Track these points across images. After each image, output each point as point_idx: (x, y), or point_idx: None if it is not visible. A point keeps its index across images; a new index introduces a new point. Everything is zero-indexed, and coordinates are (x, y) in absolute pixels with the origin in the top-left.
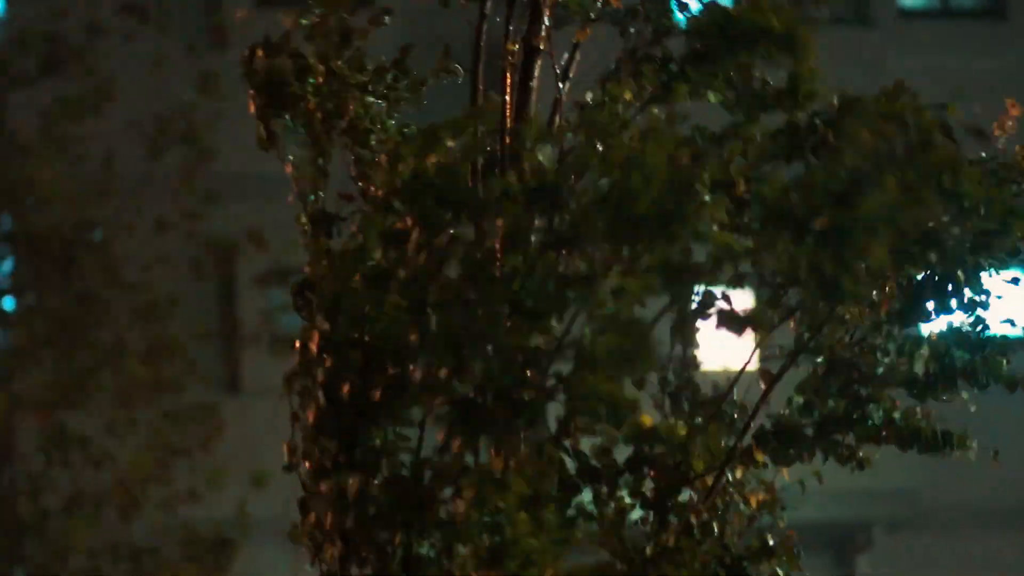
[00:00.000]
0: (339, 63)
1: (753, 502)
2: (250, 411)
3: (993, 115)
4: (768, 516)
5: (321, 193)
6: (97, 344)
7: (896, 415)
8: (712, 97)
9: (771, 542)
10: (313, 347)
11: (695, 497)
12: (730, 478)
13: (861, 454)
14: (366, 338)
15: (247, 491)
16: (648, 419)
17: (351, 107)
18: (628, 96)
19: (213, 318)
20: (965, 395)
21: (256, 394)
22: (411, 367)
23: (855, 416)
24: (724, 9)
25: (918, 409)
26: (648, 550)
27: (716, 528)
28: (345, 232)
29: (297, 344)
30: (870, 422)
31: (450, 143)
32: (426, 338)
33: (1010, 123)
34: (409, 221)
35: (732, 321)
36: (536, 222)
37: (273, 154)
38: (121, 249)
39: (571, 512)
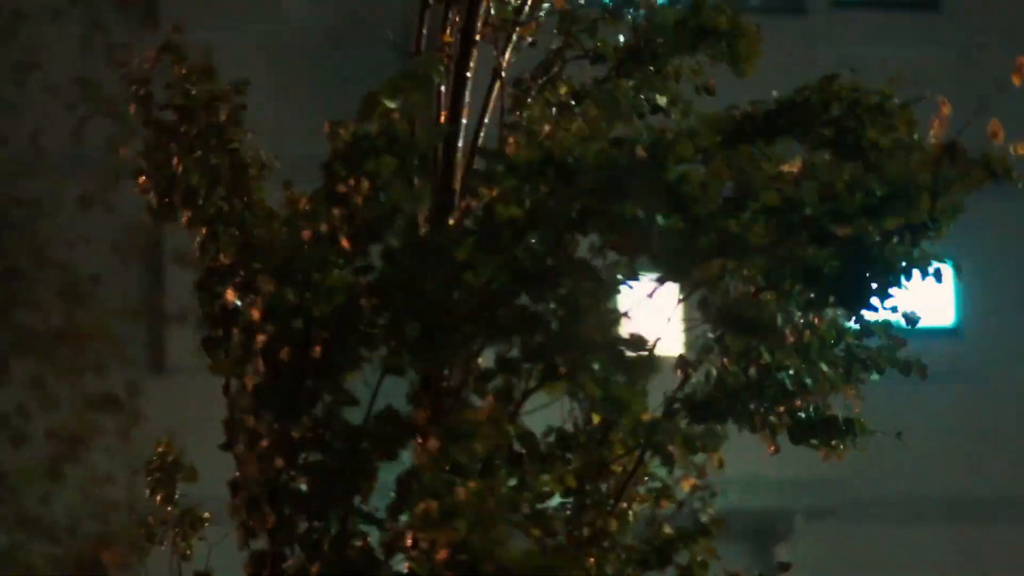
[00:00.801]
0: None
1: (685, 487)
2: (175, 390)
3: (926, 107)
4: (698, 501)
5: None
6: (19, 323)
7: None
8: (660, 100)
9: (704, 520)
10: (256, 314)
11: (610, 485)
12: (656, 464)
13: (771, 419)
14: (309, 298)
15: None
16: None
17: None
18: (563, 91)
19: (138, 297)
20: (874, 377)
21: (181, 373)
22: (355, 317)
23: (764, 383)
24: (671, 10)
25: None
26: (585, 531)
27: (633, 515)
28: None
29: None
30: (774, 391)
31: (390, 104)
32: (375, 293)
33: (942, 120)
34: (352, 183)
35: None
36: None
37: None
38: (46, 227)
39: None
